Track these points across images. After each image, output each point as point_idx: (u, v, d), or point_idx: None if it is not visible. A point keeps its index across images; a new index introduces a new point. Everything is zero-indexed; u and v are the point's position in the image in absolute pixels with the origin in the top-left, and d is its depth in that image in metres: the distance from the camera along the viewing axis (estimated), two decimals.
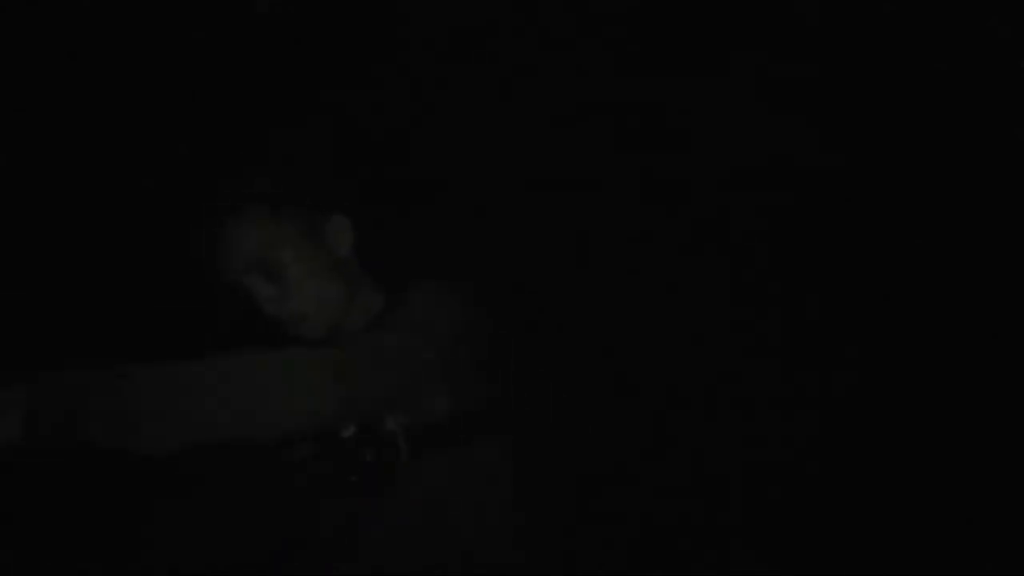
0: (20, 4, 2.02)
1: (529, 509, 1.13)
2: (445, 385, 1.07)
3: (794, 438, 2.03)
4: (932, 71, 2.04)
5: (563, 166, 2.13)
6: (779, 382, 2.06)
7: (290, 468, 1.11)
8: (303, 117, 2.18)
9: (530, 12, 2.14)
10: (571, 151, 2.13)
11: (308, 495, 1.11)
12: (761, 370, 2.07)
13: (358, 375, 0.97)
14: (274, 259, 1.13)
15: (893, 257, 2.08)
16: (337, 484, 1.07)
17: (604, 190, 2.14)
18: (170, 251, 2.14)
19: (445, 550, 1.07)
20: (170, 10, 2.09)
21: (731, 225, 2.12)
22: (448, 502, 1.08)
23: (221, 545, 1.20)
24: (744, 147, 2.12)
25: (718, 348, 2.09)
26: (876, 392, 2.03)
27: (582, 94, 2.14)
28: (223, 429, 0.93)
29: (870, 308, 2.07)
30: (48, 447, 0.91)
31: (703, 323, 2.09)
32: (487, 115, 2.16)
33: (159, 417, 0.90)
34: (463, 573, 1.07)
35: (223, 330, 2.06)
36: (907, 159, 2.07)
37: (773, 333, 2.08)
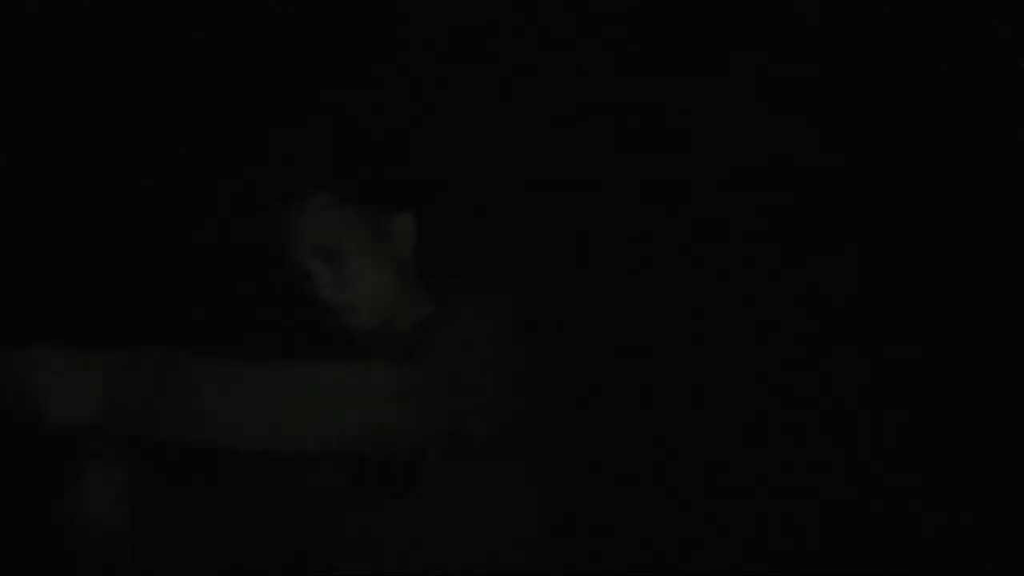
0: (20, 4, 2.02)
1: (550, 525, 1.14)
2: (488, 400, 1.07)
3: (795, 438, 2.03)
4: (932, 71, 2.04)
5: (563, 166, 2.13)
6: (780, 382, 2.06)
7: (317, 465, 1.12)
8: (303, 117, 2.18)
9: (530, 12, 2.14)
10: (571, 151, 2.13)
11: (333, 492, 1.11)
12: (762, 370, 2.07)
13: (431, 395, 0.98)
14: (338, 246, 1.18)
15: (893, 257, 2.08)
16: (364, 483, 1.08)
17: (604, 190, 2.14)
18: (170, 251, 2.14)
19: (460, 560, 1.07)
20: (170, 10, 2.09)
21: (731, 225, 2.12)
22: (468, 513, 1.08)
23: (246, 542, 1.20)
24: (744, 147, 2.12)
25: (718, 348, 2.09)
26: (877, 392, 2.03)
27: (582, 94, 2.14)
28: (292, 437, 0.93)
29: (870, 308, 2.07)
30: (122, 433, 0.92)
31: (703, 323, 2.09)
32: (487, 115, 2.16)
33: (236, 415, 0.91)
34: None
35: (223, 330, 2.07)
36: (907, 159, 2.07)
37: (774, 333, 2.08)
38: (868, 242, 2.09)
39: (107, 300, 2.08)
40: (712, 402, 2.07)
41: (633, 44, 2.14)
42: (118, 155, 2.12)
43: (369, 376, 0.96)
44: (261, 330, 1.95)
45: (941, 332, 2.03)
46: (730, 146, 2.12)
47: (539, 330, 1.17)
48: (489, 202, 2.11)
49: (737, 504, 2.01)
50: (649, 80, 2.13)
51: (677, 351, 2.08)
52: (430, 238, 1.28)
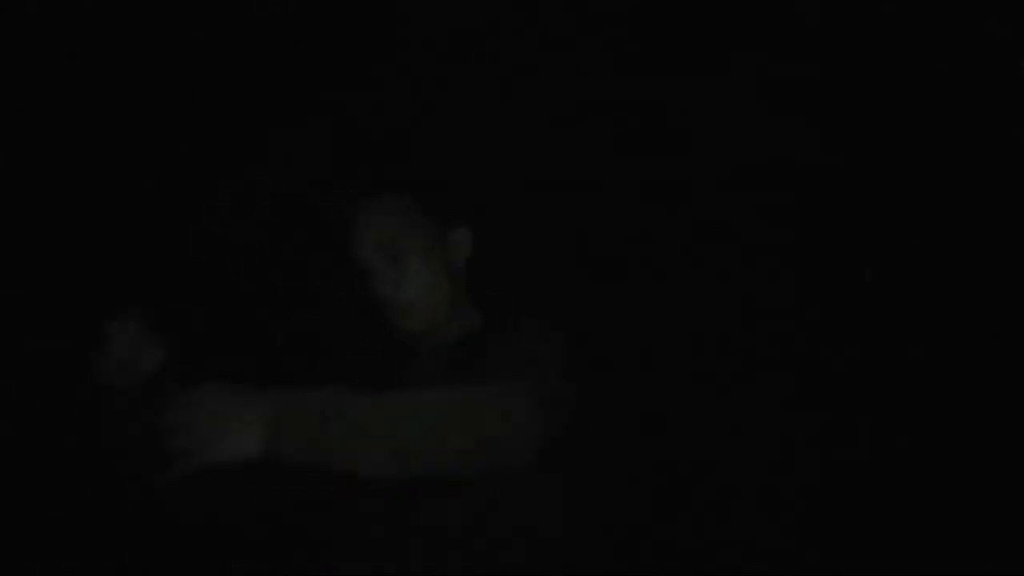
0: (20, 4, 2.02)
1: (575, 540, 1.17)
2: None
3: (797, 439, 2.03)
4: (932, 71, 2.04)
5: (563, 166, 2.13)
6: (780, 382, 2.06)
7: None
8: (303, 117, 2.18)
9: (530, 12, 2.14)
10: (571, 151, 2.13)
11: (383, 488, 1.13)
12: (763, 370, 2.07)
13: (546, 414, 1.06)
14: (401, 246, 1.23)
15: (893, 257, 2.08)
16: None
17: (604, 190, 2.14)
18: (170, 251, 2.14)
19: (491, 561, 1.10)
20: (170, 10, 2.09)
21: (731, 225, 2.12)
22: (503, 516, 1.12)
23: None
24: (744, 147, 2.12)
25: (718, 349, 2.09)
26: (878, 392, 2.03)
27: (582, 94, 2.14)
28: (437, 464, 1.00)
29: (870, 308, 2.07)
30: (286, 465, 0.97)
31: (703, 323, 2.09)
32: (487, 115, 2.16)
33: (386, 446, 0.97)
34: None
35: (222, 329, 2.07)
36: (907, 159, 2.07)
37: (774, 333, 2.08)
38: (868, 242, 2.09)
39: (107, 300, 2.08)
40: (712, 402, 2.07)
41: (633, 44, 2.14)
42: (118, 155, 2.12)
43: (499, 398, 1.03)
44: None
45: (941, 332, 2.03)
46: (730, 146, 2.12)
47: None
48: (489, 202, 2.11)
49: (738, 504, 2.01)
50: (649, 80, 2.13)
51: (677, 351, 2.08)
52: (480, 256, 1.32)
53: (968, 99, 2.03)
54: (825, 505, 1.99)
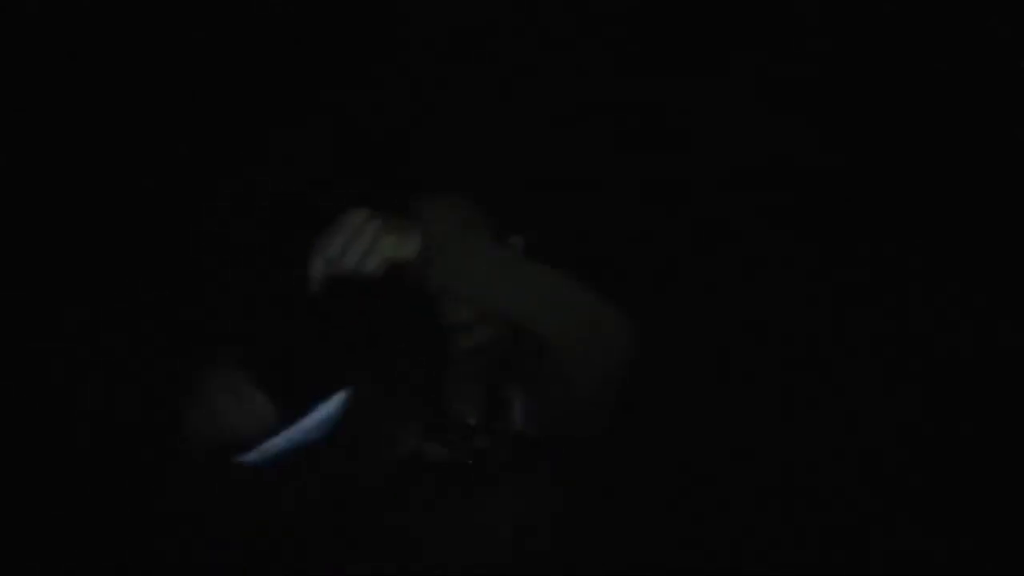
0: (20, 4, 2.02)
1: (572, 522, 1.20)
2: None
3: (797, 439, 2.03)
4: (932, 71, 2.04)
5: (563, 166, 2.13)
6: (780, 382, 2.06)
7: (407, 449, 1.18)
8: (303, 117, 2.18)
9: (530, 12, 2.14)
10: (571, 151, 2.13)
11: (417, 475, 1.16)
12: (763, 371, 2.07)
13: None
14: None
15: (893, 257, 2.08)
16: (451, 465, 1.15)
17: (604, 190, 2.14)
18: (170, 251, 2.14)
19: (491, 553, 1.13)
20: (170, 10, 2.09)
21: (731, 225, 2.12)
22: (504, 511, 1.14)
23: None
24: (744, 147, 2.12)
25: (718, 349, 2.09)
26: (878, 392, 2.03)
27: (582, 94, 2.14)
28: (558, 323, 1.10)
29: (870, 308, 2.07)
30: (425, 287, 1.05)
31: (703, 324, 2.09)
32: (487, 115, 2.16)
33: (524, 287, 1.09)
34: None
35: (221, 328, 2.07)
36: (907, 159, 2.07)
37: (774, 334, 2.08)
38: (868, 242, 2.09)
39: (107, 300, 2.08)
40: (711, 402, 2.07)
41: (633, 44, 2.14)
42: (118, 155, 2.12)
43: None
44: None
45: (941, 332, 2.03)
46: (730, 146, 2.12)
47: None
48: (489, 202, 2.11)
49: (739, 504, 2.01)
50: (649, 80, 2.13)
51: (676, 351, 2.08)
52: None
53: (968, 99, 2.03)
54: (826, 505, 1.99)
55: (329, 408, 1.02)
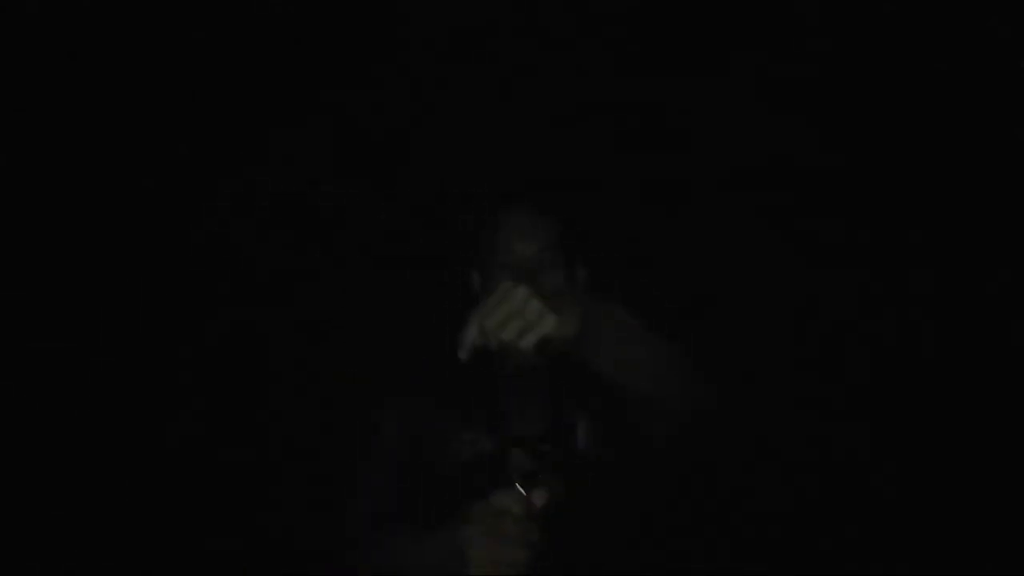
0: (20, 4, 2.02)
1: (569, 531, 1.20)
2: None
3: (798, 439, 2.03)
4: (932, 71, 2.04)
5: (563, 166, 2.13)
6: (780, 381, 2.05)
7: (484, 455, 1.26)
8: (303, 117, 2.18)
9: (530, 12, 2.14)
10: (571, 151, 2.13)
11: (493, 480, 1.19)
12: (763, 370, 2.07)
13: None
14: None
15: (893, 257, 2.08)
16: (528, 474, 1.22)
17: (604, 190, 2.14)
18: (170, 251, 2.14)
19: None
20: (170, 10, 2.09)
21: (731, 225, 2.12)
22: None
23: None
24: (744, 147, 2.12)
25: (718, 349, 2.08)
26: (878, 391, 2.03)
27: (582, 94, 2.14)
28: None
29: (870, 308, 2.07)
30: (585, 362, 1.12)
31: (703, 323, 2.09)
32: (487, 115, 2.16)
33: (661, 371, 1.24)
34: None
35: (221, 328, 2.07)
36: (907, 159, 2.07)
37: (774, 333, 2.08)
38: (868, 242, 2.09)
39: (106, 300, 2.08)
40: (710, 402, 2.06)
41: (633, 44, 2.14)
42: (119, 155, 2.12)
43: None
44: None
45: (941, 332, 2.02)
46: (730, 146, 2.12)
47: None
48: (489, 202, 2.11)
49: (741, 503, 2.01)
50: (649, 80, 2.13)
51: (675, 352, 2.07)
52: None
53: (968, 99, 2.03)
54: (824, 505, 1.99)
55: None
